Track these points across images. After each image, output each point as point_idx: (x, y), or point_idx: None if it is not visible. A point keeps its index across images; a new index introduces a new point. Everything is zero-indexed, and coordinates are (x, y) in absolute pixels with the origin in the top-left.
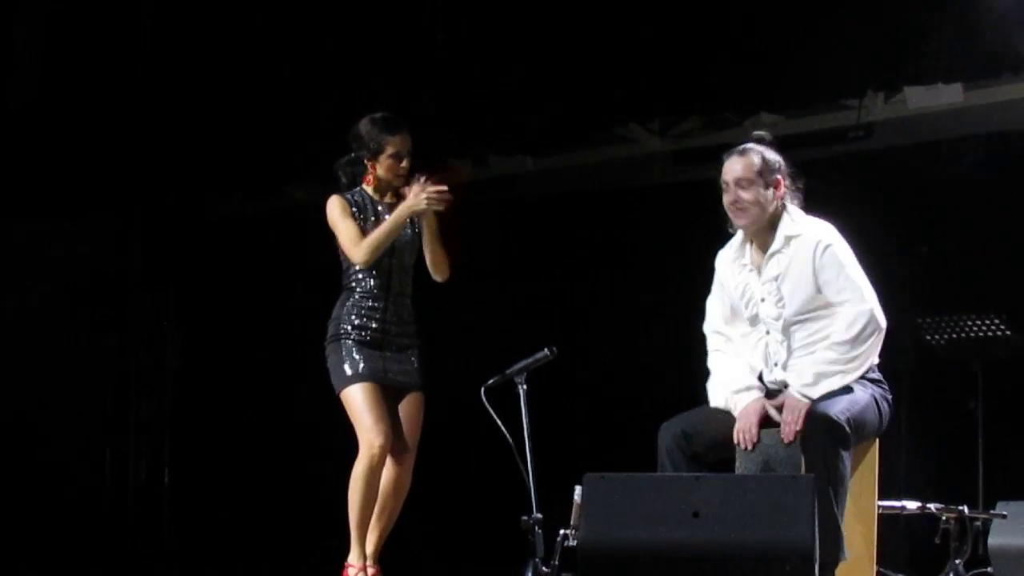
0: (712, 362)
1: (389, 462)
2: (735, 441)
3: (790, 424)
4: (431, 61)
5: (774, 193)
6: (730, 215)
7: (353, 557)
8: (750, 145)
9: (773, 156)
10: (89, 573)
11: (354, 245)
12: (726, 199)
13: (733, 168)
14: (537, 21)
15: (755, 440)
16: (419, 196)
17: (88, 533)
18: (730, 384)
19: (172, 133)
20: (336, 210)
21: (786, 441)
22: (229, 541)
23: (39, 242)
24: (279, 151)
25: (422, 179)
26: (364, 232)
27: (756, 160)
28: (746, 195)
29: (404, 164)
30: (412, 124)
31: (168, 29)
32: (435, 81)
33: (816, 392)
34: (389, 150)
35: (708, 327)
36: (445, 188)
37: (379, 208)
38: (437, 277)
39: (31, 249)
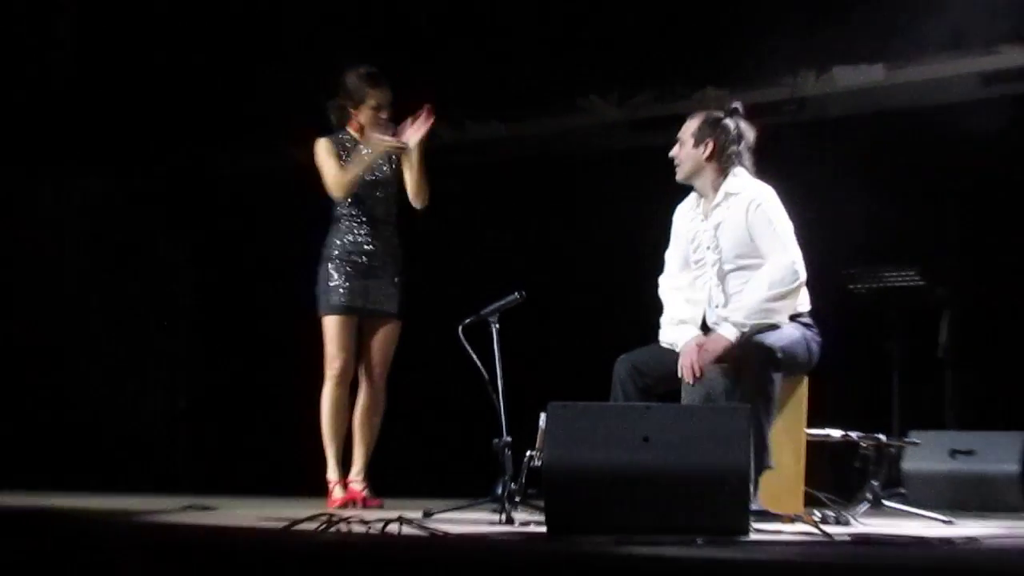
0: (664, 305)
1: (363, 385)
2: (680, 375)
3: (709, 353)
4: (414, 31)
5: (702, 153)
6: None
7: (330, 472)
8: (701, 111)
9: (715, 123)
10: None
11: (334, 182)
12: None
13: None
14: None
15: (699, 374)
16: (404, 139)
17: (112, 457)
18: (672, 319)
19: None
20: (322, 151)
21: (705, 361)
22: (237, 464)
23: (70, 192)
24: (277, 113)
25: (409, 120)
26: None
27: (693, 123)
28: (676, 151)
29: (384, 116)
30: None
31: None
32: (417, 49)
33: (744, 322)
34: (371, 102)
35: (663, 277)
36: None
37: (363, 150)
38: (417, 204)
39: (61, 200)
